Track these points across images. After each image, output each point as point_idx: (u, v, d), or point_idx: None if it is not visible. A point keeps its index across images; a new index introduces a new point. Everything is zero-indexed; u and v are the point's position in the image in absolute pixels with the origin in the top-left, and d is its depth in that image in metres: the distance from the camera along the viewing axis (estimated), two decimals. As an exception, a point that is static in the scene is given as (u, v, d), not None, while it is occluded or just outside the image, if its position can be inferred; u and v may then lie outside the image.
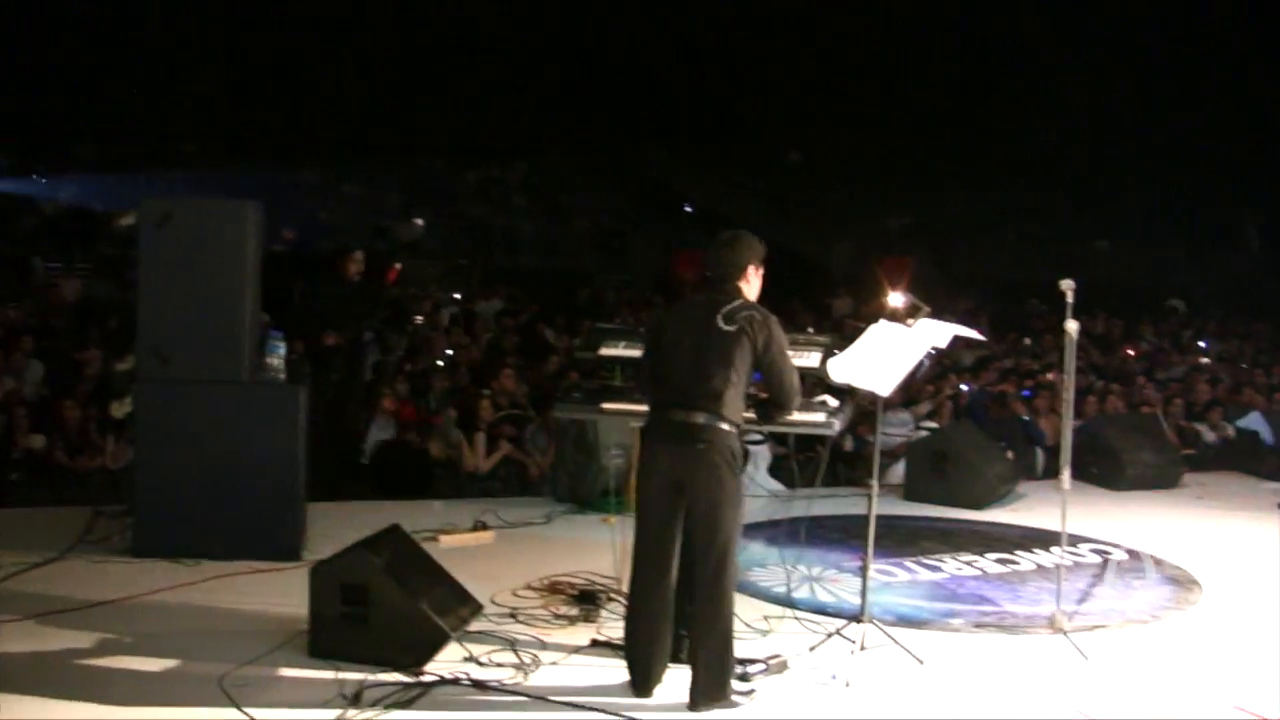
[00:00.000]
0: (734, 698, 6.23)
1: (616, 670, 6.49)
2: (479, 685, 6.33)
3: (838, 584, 8.62)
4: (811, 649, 7.01)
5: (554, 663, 6.76)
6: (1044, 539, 10.12)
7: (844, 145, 31.38)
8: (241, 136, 28.11)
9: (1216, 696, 6.72)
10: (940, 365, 15.05)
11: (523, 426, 12.96)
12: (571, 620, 7.52)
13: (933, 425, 13.79)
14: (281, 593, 7.63)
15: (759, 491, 11.23)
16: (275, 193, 24.07)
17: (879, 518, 7.31)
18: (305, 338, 11.49)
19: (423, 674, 6.38)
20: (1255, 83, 27.64)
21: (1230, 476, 14.04)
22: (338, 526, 8.90)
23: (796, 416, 6.60)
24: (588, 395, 7.34)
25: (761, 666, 6.63)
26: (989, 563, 9.52)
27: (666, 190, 31.39)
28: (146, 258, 8.67)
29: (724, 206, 28.59)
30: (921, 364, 7.18)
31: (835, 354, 6.95)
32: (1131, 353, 19.91)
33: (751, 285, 6.44)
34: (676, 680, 6.30)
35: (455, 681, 6.34)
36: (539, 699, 6.22)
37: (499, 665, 6.62)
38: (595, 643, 7.03)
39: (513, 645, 6.93)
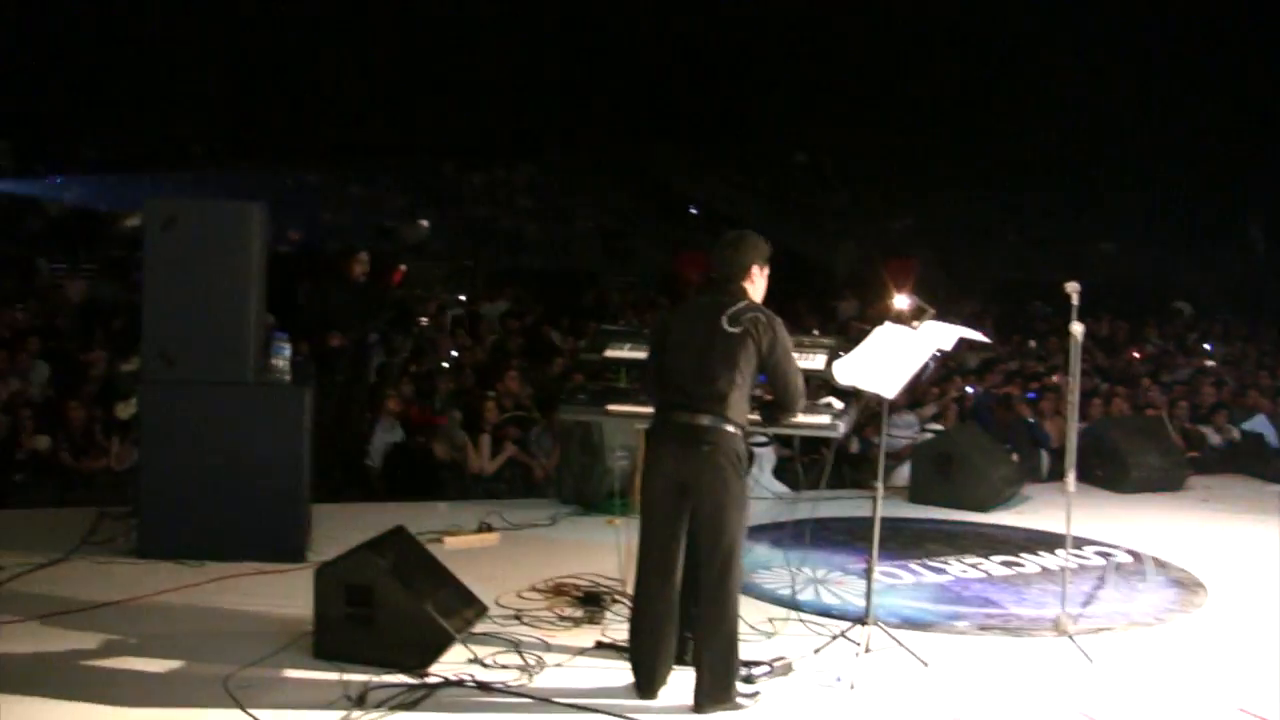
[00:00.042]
0: (738, 700, 6.22)
1: (621, 672, 6.49)
2: (483, 687, 6.32)
3: (842, 586, 8.62)
4: (816, 651, 7.01)
5: (558, 664, 6.75)
6: (1049, 541, 10.11)
7: (848, 147, 31.37)
8: (247, 138, 28.15)
9: (1221, 699, 6.71)
10: (945, 367, 15.05)
11: (528, 428, 12.96)
12: (576, 622, 7.51)
13: (938, 428, 13.78)
14: (286, 594, 7.63)
15: (764, 494, 11.23)
16: (280, 194, 24.19)
17: (884, 520, 7.31)
18: (310, 339, 11.50)
19: (427, 675, 6.37)
20: (1259, 84, 27.61)
21: (1235, 479, 14.02)
22: (342, 528, 8.89)
23: (801, 419, 6.61)
24: (593, 397, 7.35)
25: (766, 668, 6.63)
26: (994, 565, 9.51)
27: (671, 191, 31.38)
28: (151, 259, 8.67)
29: (728, 207, 28.60)
30: (926, 366, 7.18)
31: (840, 356, 6.94)
32: (1136, 355, 19.90)
33: (756, 286, 6.43)
34: (681, 682, 6.29)
35: (460, 683, 6.34)
36: (543, 701, 6.22)
37: (504, 667, 6.62)
38: (600, 645, 7.03)
39: (517, 647, 6.93)
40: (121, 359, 12.79)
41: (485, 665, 6.62)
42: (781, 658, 6.80)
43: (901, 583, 8.92)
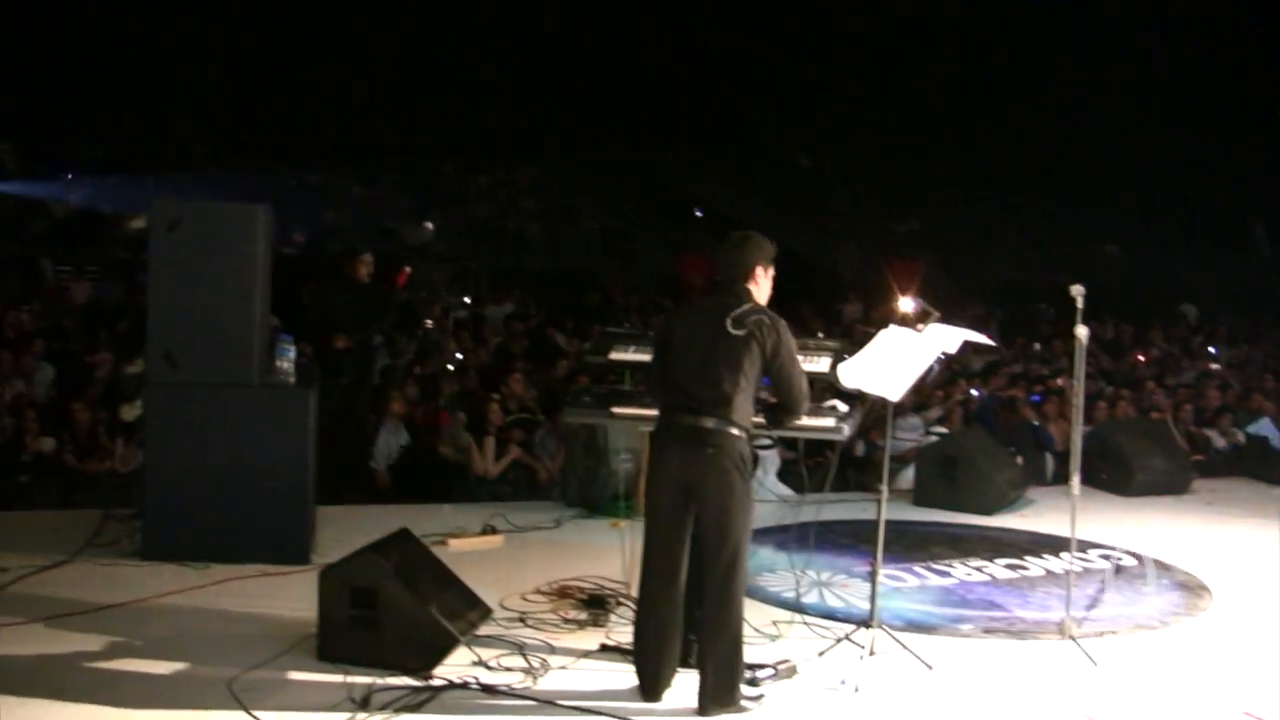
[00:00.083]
0: (743, 702, 6.22)
1: (625, 675, 6.48)
2: (488, 689, 6.32)
3: (847, 589, 8.61)
4: (820, 654, 7.01)
5: (563, 667, 6.76)
6: (1053, 544, 10.11)
7: (851, 148, 31.36)
8: (250, 139, 28.14)
9: (1226, 702, 6.71)
10: (950, 370, 15.04)
11: (532, 431, 12.96)
12: (580, 625, 7.52)
13: (942, 430, 13.77)
14: (290, 596, 7.64)
15: (768, 496, 11.23)
16: (284, 196, 24.16)
17: (888, 523, 7.31)
18: (315, 341, 11.50)
19: (431, 678, 6.38)
20: (1263, 85, 27.58)
21: (1240, 482, 14.00)
22: (347, 530, 8.90)
23: (806, 421, 6.61)
24: (597, 399, 7.36)
25: (770, 671, 6.63)
26: (998, 568, 9.51)
27: (675, 193, 31.37)
28: (156, 261, 8.69)
29: (732, 210, 28.57)
30: (931, 369, 7.18)
31: (845, 359, 6.94)
32: (1141, 358, 19.88)
33: (761, 287, 6.42)
34: (685, 685, 6.29)
35: (464, 686, 6.34)
36: (547, 703, 6.22)
37: (508, 669, 6.62)
38: (604, 647, 7.03)
39: (521, 649, 6.93)
40: (126, 361, 12.83)
41: (490, 668, 6.61)
42: (786, 660, 6.80)
43: (906, 586, 8.92)
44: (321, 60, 29.73)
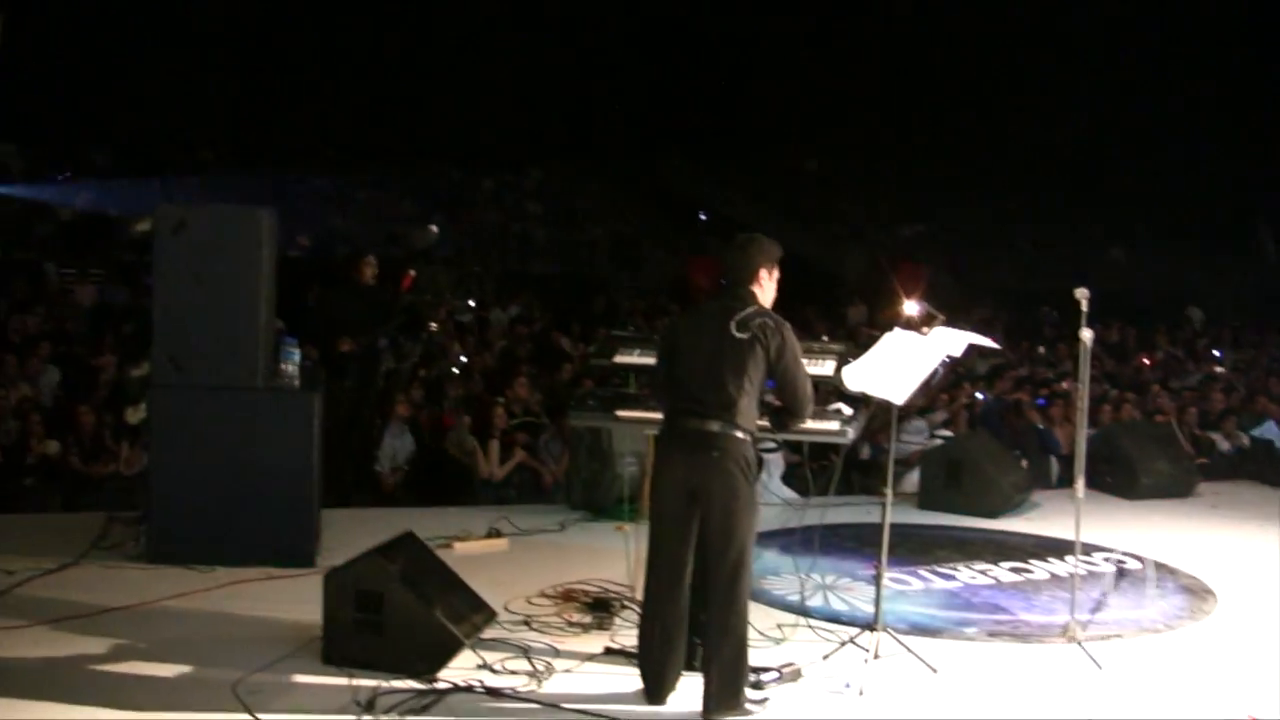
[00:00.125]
0: (748, 706, 6.22)
1: (630, 678, 6.48)
2: (492, 692, 6.33)
3: (852, 592, 8.61)
4: (825, 657, 7.00)
5: (567, 670, 6.76)
6: (1058, 548, 10.08)
7: (858, 153, 31.38)
8: (256, 143, 28.17)
9: (1231, 706, 6.70)
10: (955, 374, 15.03)
11: (537, 434, 12.97)
12: (585, 628, 7.52)
13: (947, 434, 13.77)
14: (295, 599, 7.63)
15: (773, 499, 11.18)
16: (290, 199, 24.15)
17: (893, 526, 7.30)
18: (320, 344, 11.50)
19: (436, 681, 6.38)
20: (1270, 89, 27.56)
21: (1245, 486, 13.97)
22: (352, 533, 8.92)
23: (810, 425, 6.62)
24: (602, 403, 7.35)
25: (775, 675, 6.63)
26: (1003, 571, 9.50)
27: (680, 197, 31.37)
28: (161, 264, 8.71)
29: (738, 214, 28.57)
30: (936, 372, 7.17)
31: (850, 362, 6.94)
32: (1146, 361, 19.86)
33: (765, 289, 6.43)
34: (690, 688, 6.29)
35: (469, 689, 6.34)
36: (552, 706, 6.22)
37: (512, 672, 6.62)
38: (609, 650, 7.03)
39: (526, 653, 6.93)
40: (131, 364, 12.81)
41: (494, 671, 6.62)
42: (790, 664, 6.80)
43: (911, 589, 8.91)
44: (328, 64, 29.76)
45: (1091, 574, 9.49)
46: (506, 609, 7.73)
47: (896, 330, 7.22)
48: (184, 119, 28.67)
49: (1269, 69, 27.66)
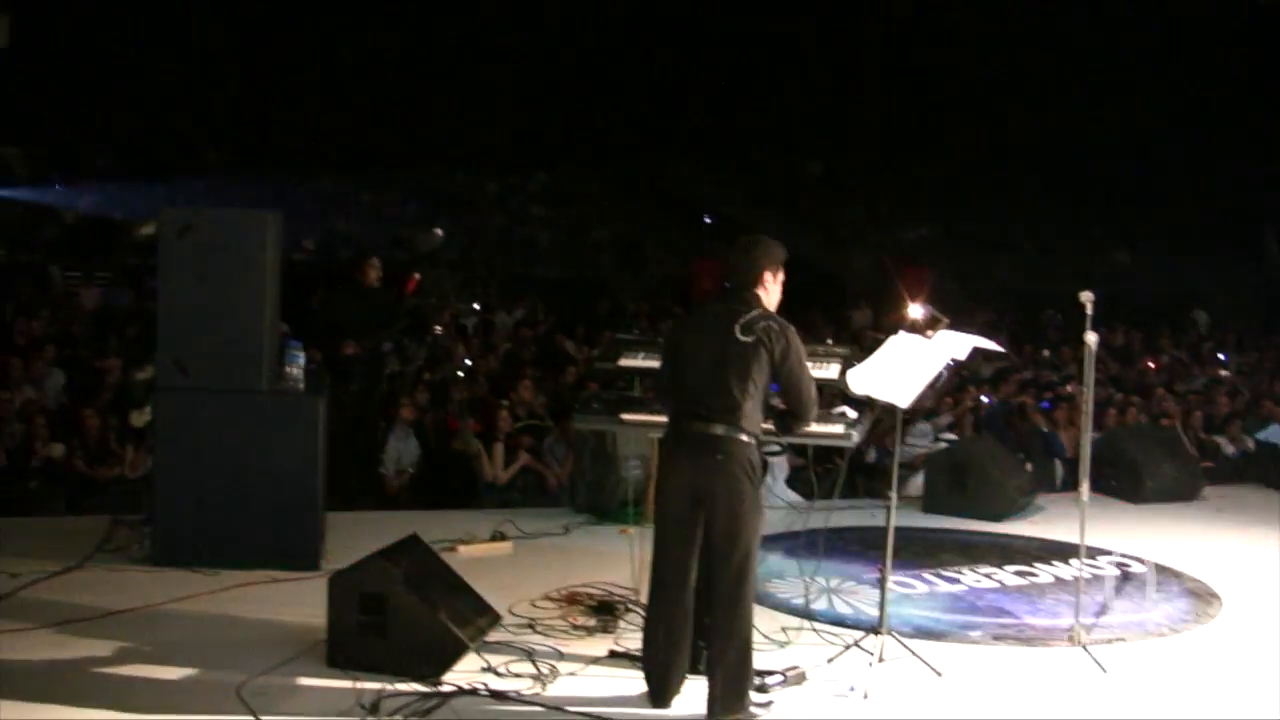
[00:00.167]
0: (752, 709, 6.22)
1: (634, 681, 6.49)
2: (497, 695, 6.33)
3: (856, 596, 8.60)
4: (830, 660, 7.00)
5: (572, 673, 6.76)
6: (1063, 551, 10.07)
7: (863, 157, 31.38)
8: (260, 145, 28.18)
9: (1235, 710, 6.70)
10: (959, 377, 15.02)
11: (541, 437, 12.97)
12: (589, 631, 7.52)
13: (952, 437, 13.77)
14: (300, 602, 7.64)
15: (777, 503, 11.17)
16: (295, 202, 24.17)
17: (898, 530, 7.30)
18: (324, 347, 11.51)
19: (441, 684, 6.38)
20: (1275, 92, 27.54)
21: (1250, 489, 13.94)
22: (356, 536, 8.89)
23: (815, 428, 6.61)
24: (607, 406, 7.34)
25: (779, 678, 6.63)
26: (1008, 575, 9.49)
27: (684, 200, 31.37)
28: (166, 267, 8.72)
29: (743, 217, 28.57)
30: (940, 375, 7.17)
31: (854, 365, 6.94)
32: (1151, 365, 19.84)
33: (770, 292, 6.42)
34: (694, 691, 6.29)
35: (473, 692, 6.34)
36: (557, 709, 6.22)
37: (517, 675, 6.62)
38: (613, 653, 7.03)
39: (531, 656, 6.93)
40: (136, 367, 12.86)
41: (499, 674, 6.62)
42: (795, 667, 6.79)
43: (915, 592, 8.91)
44: (331, 67, 29.77)
45: (1096, 578, 9.48)
46: (511, 612, 7.73)
47: (901, 333, 7.22)
48: (188, 122, 28.70)
49: (1273, 70, 27.63)
